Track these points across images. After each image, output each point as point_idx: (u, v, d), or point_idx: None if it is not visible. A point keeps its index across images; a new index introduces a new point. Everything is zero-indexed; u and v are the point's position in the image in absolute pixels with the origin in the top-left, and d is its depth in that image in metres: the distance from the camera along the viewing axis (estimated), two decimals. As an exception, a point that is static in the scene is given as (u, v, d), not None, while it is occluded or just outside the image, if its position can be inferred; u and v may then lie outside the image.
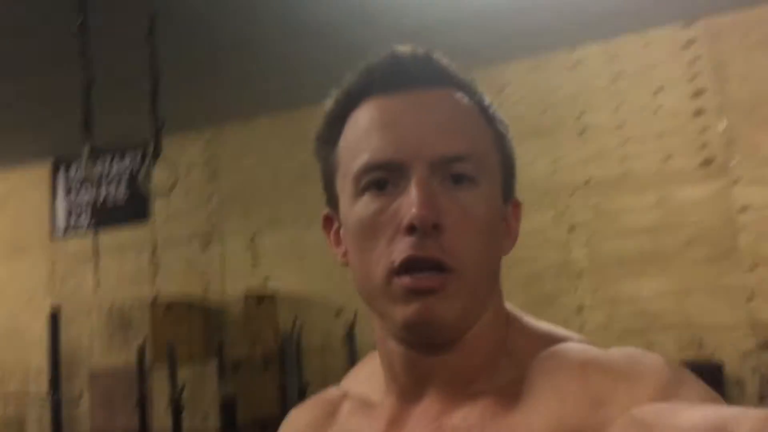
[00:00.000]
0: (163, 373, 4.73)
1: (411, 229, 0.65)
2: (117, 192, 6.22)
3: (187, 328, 5.35)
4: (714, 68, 4.41)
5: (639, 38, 4.58)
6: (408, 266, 0.65)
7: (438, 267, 0.65)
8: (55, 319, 6.04)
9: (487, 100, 0.76)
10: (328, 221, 0.79)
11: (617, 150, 4.61)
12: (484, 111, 0.75)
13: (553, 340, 0.72)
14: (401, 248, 0.65)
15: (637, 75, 4.58)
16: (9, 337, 6.67)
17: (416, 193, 0.65)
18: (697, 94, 4.43)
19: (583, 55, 4.74)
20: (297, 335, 4.78)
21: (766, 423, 0.42)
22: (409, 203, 0.65)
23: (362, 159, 0.69)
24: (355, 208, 0.69)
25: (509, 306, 0.79)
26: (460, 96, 0.73)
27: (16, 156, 6.39)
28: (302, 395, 4.59)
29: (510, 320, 0.77)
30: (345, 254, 0.75)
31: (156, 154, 3.07)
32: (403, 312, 0.66)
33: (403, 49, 0.73)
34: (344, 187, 0.72)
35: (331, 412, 0.82)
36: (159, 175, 5.30)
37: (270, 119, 5.74)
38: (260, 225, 5.68)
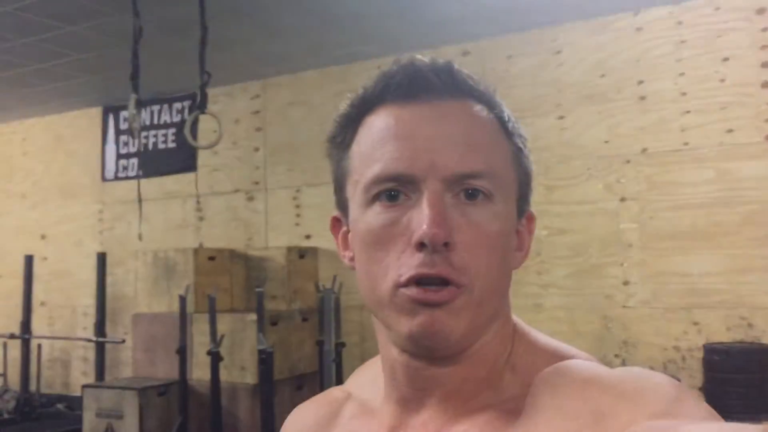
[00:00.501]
0: (204, 323, 4.80)
1: (421, 246, 0.63)
2: (166, 141, 6.27)
3: (229, 279, 5.41)
4: (787, 38, 4.18)
5: (708, 3, 4.36)
6: (417, 282, 0.64)
7: (445, 282, 0.64)
8: (102, 263, 6.18)
9: (507, 112, 0.74)
10: (337, 223, 0.78)
11: (677, 120, 4.44)
12: (503, 124, 0.73)
13: (558, 356, 0.70)
14: (410, 264, 0.64)
15: (704, 42, 4.37)
16: (58, 279, 6.86)
17: (428, 209, 0.64)
18: (766, 64, 4.21)
19: (646, 19, 4.54)
20: (336, 292, 4.78)
21: None
22: (420, 219, 0.64)
23: (375, 169, 0.67)
24: (366, 217, 0.68)
25: (516, 319, 0.75)
26: (479, 109, 0.71)
27: (68, 102, 6.48)
28: (339, 352, 4.62)
29: (517, 334, 0.74)
30: (352, 258, 0.73)
31: (201, 108, 3.05)
32: (408, 324, 0.65)
33: (423, 58, 0.71)
34: (355, 193, 0.71)
35: (334, 413, 0.82)
36: (205, 128, 5.33)
37: (318, 73, 5.69)
38: (305, 179, 5.67)
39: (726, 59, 4.31)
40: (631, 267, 4.51)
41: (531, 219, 0.76)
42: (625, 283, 4.52)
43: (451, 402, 0.69)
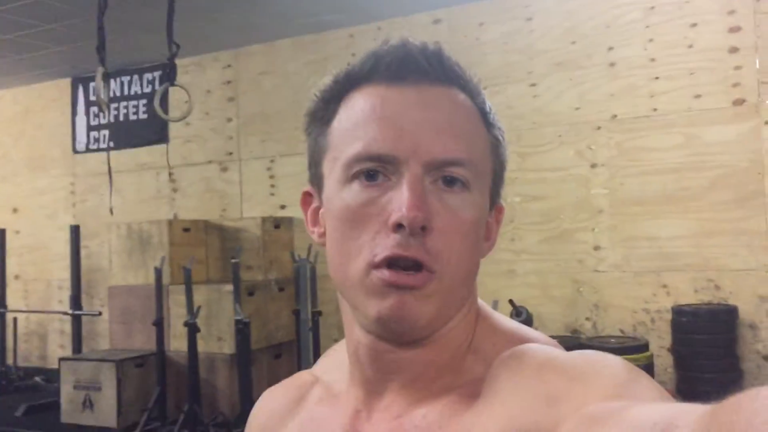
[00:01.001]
0: (180, 294, 4.81)
1: (398, 227, 0.64)
2: (137, 112, 6.20)
3: (204, 250, 5.41)
4: (753, 3, 4.22)
5: (677, -31, 4.38)
6: (390, 263, 0.64)
7: (417, 266, 0.64)
8: (76, 235, 6.14)
9: (489, 104, 0.73)
10: (308, 198, 0.77)
11: (646, 86, 4.48)
12: (484, 115, 0.72)
13: (518, 339, 0.71)
14: (386, 244, 0.64)
15: (672, 8, 4.40)
16: (32, 252, 6.80)
17: (408, 192, 0.64)
18: (733, 30, 4.25)
19: (616, -15, 4.55)
20: (312, 262, 4.81)
21: (711, 417, 0.41)
22: (400, 201, 0.64)
23: (356, 147, 0.67)
24: (343, 194, 0.68)
25: (480, 303, 0.76)
26: (463, 98, 0.71)
27: (37, 73, 6.37)
28: (315, 321, 4.66)
29: (480, 318, 0.75)
30: (322, 235, 0.73)
31: (171, 80, 3.01)
32: (377, 306, 0.65)
33: (414, 41, 0.70)
34: (333, 170, 0.70)
35: (301, 397, 0.82)
36: (176, 99, 5.28)
37: (290, 42, 5.64)
38: (279, 150, 5.65)
39: (694, 25, 4.34)
40: (601, 232, 4.58)
41: (500, 210, 0.77)
42: (596, 248, 4.60)
43: (414, 386, 0.70)
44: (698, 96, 4.34)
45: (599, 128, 4.60)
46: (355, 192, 0.67)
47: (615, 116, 4.56)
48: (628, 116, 4.52)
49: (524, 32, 4.82)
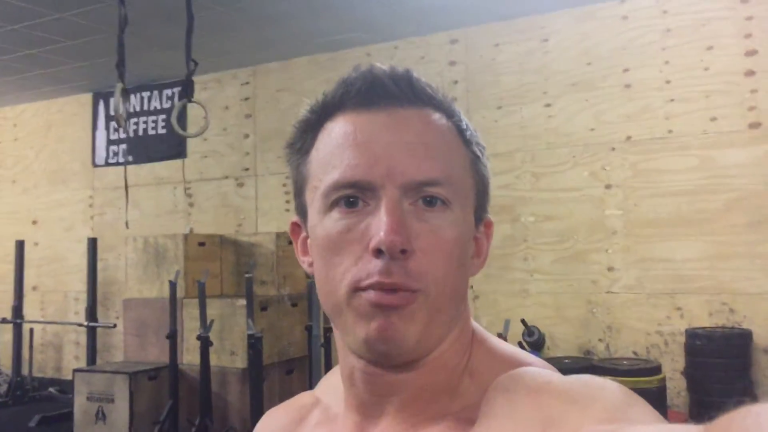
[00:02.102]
0: (194, 308, 4.84)
1: (378, 253, 0.64)
2: (156, 127, 6.28)
3: (219, 264, 5.45)
4: (770, 27, 4.22)
5: (693, -8, 4.39)
6: (372, 288, 0.65)
7: (402, 289, 0.65)
8: (93, 248, 6.20)
9: (465, 121, 0.74)
10: (297, 228, 0.78)
11: (662, 108, 4.48)
12: (461, 133, 0.73)
13: (515, 363, 0.70)
14: (369, 270, 0.65)
15: (689, 31, 4.41)
16: (50, 264, 6.88)
17: (386, 216, 0.64)
18: (750, 53, 4.25)
19: (632, 7, 4.57)
20: (325, 278, 4.81)
21: None
22: (378, 226, 0.64)
23: (333, 175, 0.67)
24: (324, 223, 0.68)
25: (476, 326, 0.76)
26: (437, 117, 0.71)
27: (59, 88, 6.48)
28: (327, 337, 4.67)
29: (475, 341, 0.74)
30: (311, 264, 0.73)
31: (188, 96, 3.06)
32: (365, 329, 0.66)
33: (382, 66, 0.71)
34: (314, 199, 0.71)
35: (302, 418, 0.82)
36: (195, 115, 5.35)
37: (307, 60, 5.71)
38: (295, 166, 5.69)
39: (710, 48, 4.34)
40: (615, 253, 4.57)
41: (489, 225, 0.76)
42: (610, 269, 4.58)
43: (409, 409, 0.70)
44: (714, 119, 4.33)
45: (614, 149, 4.60)
46: (334, 220, 0.67)
47: (630, 137, 4.56)
48: (643, 138, 4.52)
49: (540, 53, 4.84)
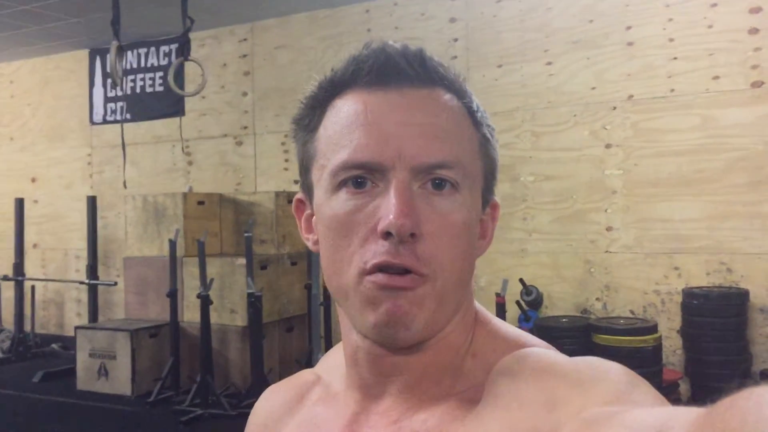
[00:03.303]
0: (194, 266, 4.87)
1: (387, 235, 0.63)
2: (153, 84, 6.22)
3: (218, 223, 5.46)
4: (776, -17, 4.15)
5: (699, -53, 4.31)
6: (380, 270, 0.64)
7: (409, 272, 0.64)
8: (93, 206, 6.21)
9: (476, 102, 0.72)
10: (301, 205, 0.77)
11: (664, 66, 4.43)
12: (472, 114, 0.71)
13: (518, 344, 0.70)
14: (375, 251, 0.64)
15: (693, -13, 4.33)
16: (50, 221, 6.89)
17: (395, 199, 0.63)
18: (754, 11, 4.18)
19: (636, -38, 4.49)
20: (325, 237, 4.83)
21: (706, 417, 0.41)
22: (387, 209, 0.63)
23: (342, 155, 0.66)
24: (331, 203, 0.67)
25: (478, 307, 0.76)
26: (448, 98, 0.70)
27: (55, 44, 6.40)
28: (327, 296, 4.70)
29: (478, 322, 0.74)
30: (316, 242, 0.73)
31: (185, 55, 3.02)
32: (373, 314, 0.65)
33: (395, 44, 0.69)
34: (321, 178, 0.70)
35: (302, 396, 0.83)
36: (193, 73, 5.29)
37: (306, 17, 5.62)
38: (294, 125, 5.65)
39: (714, 5, 4.28)
40: (614, 213, 4.57)
41: (495, 207, 0.76)
42: (609, 228, 4.59)
43: (412, 390, 0.70)
44: (716, 77, 4.29)
45: (615, 108, 4.56)
46: (342, 200, 0.66)
47: (631, 96, 4.52)
48: (645, 97, 4.48)
49: (541, 10, 4.77)
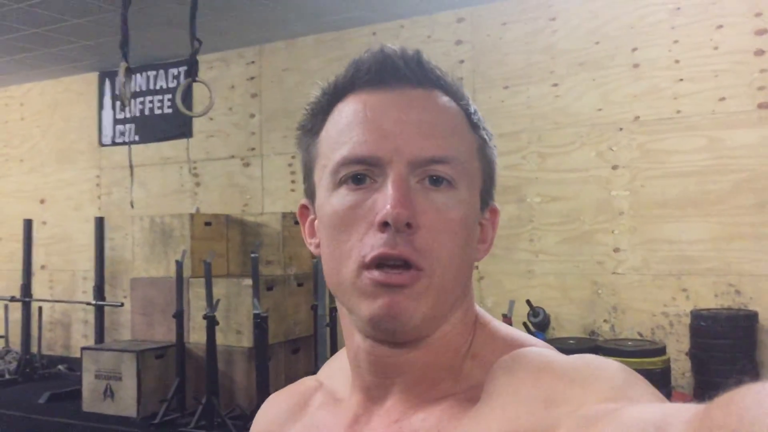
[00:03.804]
0: (200, 287, 4.87)
1: (384, 226, 0.65)
2: (162, 106, 6.27)
3: (225, 244, 5.46)
4: (781, 5, 4.16)
5: (703, -30, 4.33)
6: (379, 262, 0.65)
7: (407, 265, 0.65)
8: (100, 227, 6.23)
9: (473, 106, 0.74)
10: (305, 211, 0.78)
11: (670, 88, 4.44)
12: (469, 117, 0.73)
13: (517, 345, 0.71)
14: (373, 243, 0.65)
15: (698, 10, 4.35)
16: (58, 243, 6.92)
17: (392, 190, 0.65)
18: (760, 32, 4.20)
19: (641, -15, 4.51)
20: (331, 258, 4.82)
21: (704, 414, 0.41)
22: (384, 200, 0.65)
23: (342, 152, 0.68)
24: (332, 200, 0.69)
25: (479, 309, 0.77)
26: (446, 99, 0.72)
27: (65, 67, 6.47)
28: (333, 317, 4.69)
29: (478, 324, 0.75)
30: (318, 246, 0.74)
31: (192, 76, 3.05)
32: (369, 307, 0.66)
33: (393, 46, 0.71)
34: (322, 178, 0.71)
35: (304, 402, 0.83)
36: (201, 95, 5.33)
37: (313, 39, 5.67)
38: (301, 146, 5.68)
39: (720, 27, 4.29)
40: (621, 234, 4.56)
41: (495, 212, 0.77)
42: (616, 249, 4.57)
43: (414, 390, 0.71)
44: (723, 99, 4.29)
45: (621, 129, 4.57)
46: (342, 196, 0.68)
47: (638, 118, 4.53)
48: (651, 118, 4.49)
49: (547, 32, 4.80)
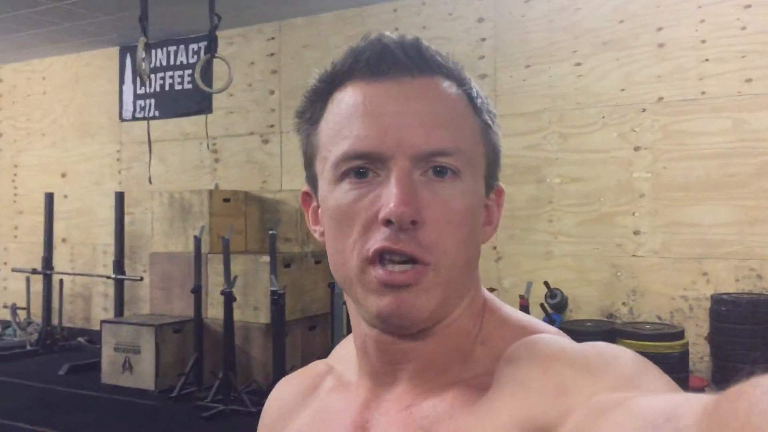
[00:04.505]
0: (218, 263, 4.89)
1: (387, 223, 0.64)
2: (182, 82, 6.27)
3: (243, 220, 5.48)
4: (813, -16, 4.06)
5: (733, -53, 4.23)
6: (382, 258, 0.65)
7: (412, 259, 0.65)
8: (120, 202, 6.28)
9: (476, 89, 0.72)
10: (307, 198, 0.78)
11: (695, 68, 4.36)
12: (471, 100, 0.72)
13: (528, 331, 0.70)
14: (376, 238, 0.65)
15: (726, -12, 4.26)
16: (79, 217, 6.99)
17: (395, 187, 0.64)
18: (790, 12, 4.10)
19: (669, -37, 4.42)
20: (349, 236, 4.83)
21: (715, 405, 0.41)
22: (388, 197, 0.64)
23: (343, 146, 0.67)
24: (334, 194, 0.69)
25: (487, 294, 0.77)
26: (447, 85, 0.70)
27: (86, 41, 6.48)
28: (350, 295, 4.69)
29: (487, 309, 0.75)
30: (323, 234, 0.74)
31: (212, 52, 3.04)
32: (376, 303, 0.66)
33: (391, 35, 0.70)
34: (324, 170, 0.71)
35: (315, 386, 0.84)
36: (221, 70, 5.32)
37: (334, 15, 5.63)
38: (320, 124, 5.67)
39: (748, 6, 4.20)
40: (642, 216, 4.51)
41: (500, 193, 0.76)
42: (636, 232, 4.53)
43: (422, 376, 0.71)
44: (749, 80, 4.21)
45: (644, 110, 4.50)
46: (344, 191, 0.67)
47: (661, 98, 4.45)
48: (675, 99, 4.42)
49: (571, 10, 4.72)
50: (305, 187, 0.77)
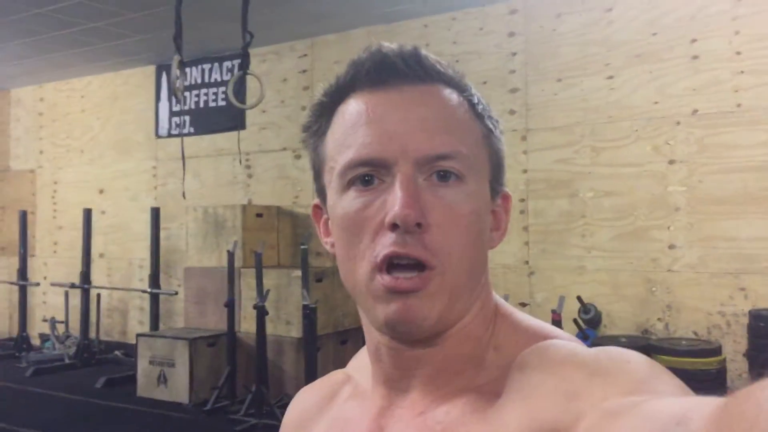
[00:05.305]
0: (251, 277, 4.94)
1: (393, 227, 0.65)
2: (216, 99, 6.37)
3: (276, 235, 5.53)
4: None
5: (768, -42, 4.18)
6: (390, 263, 0.66)
7: (419, 265, 0.66)
8: (156, 217, 6.37)
9: (477, 96, 0.74)
10: (318, 211, 0.79)
11: (730, 81, 4.30)
12: (473, 107, 0.73)
13: (541, 337, 0.71)
14: (384, 243, 0.66)
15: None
16: (116, 232, 7.11)
17: (400, 191, 0.65)
18: (828, 22, 4.03)
19: (702, -26, 4.38)
20: (380, 251, 4.84)
21: (724, 407, 0.41)
22: (393, 201, 0.65)
23: (348, 155, 0.69)
24: (342, 203, 0.70)
25: (499, 300, 0.77)
26: (448, 92, 0.72)
27: (123, 60, 6.62)
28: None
29: (499, 315, 0.75)
30: (333, 246, 0.75)
31: (244, 69, 3.09)
32: (384, 311, 0.67)
33: (391, 45, 0.72)
34: (331, 180, 0.72)
35: (333, 394, 0.85)
36: (254, 87, 5.40)
37: (365, 32, 5.68)
38: (352, 139, 5.70)
39: (785, 17, 4.14)
40: (677, 230, 4.44)
41: (507, 198, 0.77)
42: (671, 246, 4.46)
43: (435, 382, 0.71)
44: (786, 91, 4.14)
45: (679, 123, 4.45)
46: (351, 199, 0.69)
47: (696, 111, 4.40)
48: (711, 111, 4.36)
49: (603, 23, 4.70)
50: (315, 201, 0.79)
